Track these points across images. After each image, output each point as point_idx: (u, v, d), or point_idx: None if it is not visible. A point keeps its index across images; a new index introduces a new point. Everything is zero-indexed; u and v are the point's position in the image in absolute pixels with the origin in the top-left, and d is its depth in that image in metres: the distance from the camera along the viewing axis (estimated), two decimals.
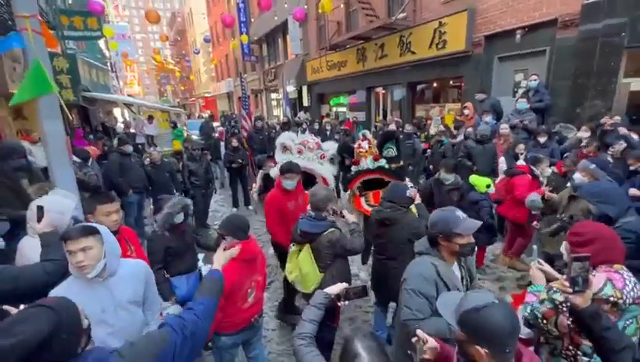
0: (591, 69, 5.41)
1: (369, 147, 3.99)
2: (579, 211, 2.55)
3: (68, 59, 8.19)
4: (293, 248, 2.56)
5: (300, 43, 14.43)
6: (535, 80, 5.77)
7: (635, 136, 4.11)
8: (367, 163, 3.89)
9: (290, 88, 15.20)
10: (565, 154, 4.29)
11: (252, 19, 18.61)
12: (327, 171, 3.96)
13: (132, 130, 10.65)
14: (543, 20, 5.96)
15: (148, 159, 5.61)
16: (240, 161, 6.43)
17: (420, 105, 9.78)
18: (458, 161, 4.85)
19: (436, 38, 7.90)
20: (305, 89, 15.05)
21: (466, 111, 6.37)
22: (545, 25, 5.98)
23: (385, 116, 10.96)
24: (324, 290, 1.48)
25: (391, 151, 3.96)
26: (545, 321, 1.49)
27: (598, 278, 1.41)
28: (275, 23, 15.62)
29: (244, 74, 22.20)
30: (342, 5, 11.14)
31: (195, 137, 11.64)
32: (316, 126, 10.34)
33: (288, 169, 3.10)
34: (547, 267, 1.67)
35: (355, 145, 4.21)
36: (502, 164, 4.86)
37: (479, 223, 1.65)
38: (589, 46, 5.37)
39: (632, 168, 3.40)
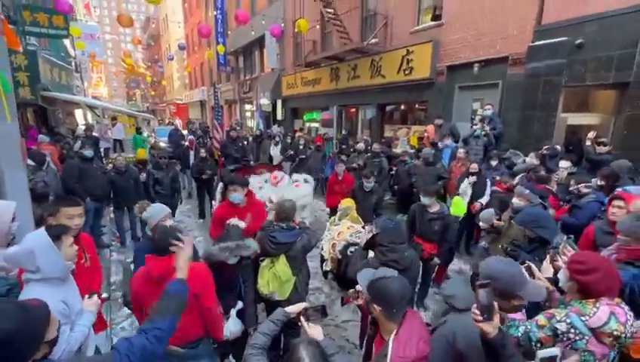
0: (535, 102, 6.06)
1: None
2: (519, 235, 2.82)
3: (27, 55, 7.78)
4: (264, 262, 2.54)
5: (276, 58, 14.69)
6: (489, 109, 6.34)
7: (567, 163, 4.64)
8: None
9: (265, 101, 15.32)
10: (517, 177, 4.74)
11: (229, 31, 18.68)
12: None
13: (95, 134, 10.16)
14: (497, 57, 6.62)
15: (111, 165, 5.42)
16: (209, 171, 6.37)
17: (389, 125, 10.28)
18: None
19: (404, 65, 8.45)
20: (279, 103, 15.23)
21: (426, 134, 6.82)
22: (498, 61, 6.65)
23: (349, 133, 11.36)
24: (285, 309, 1.55)
25: None
26: (539, 345, 1.52)
27: (603, 311, 1.43)
28: (252, 37, 15.81)
29: (218, 83, 22.04)
30: (317, 26, 11.59)
31: (163, 144, 11.31)
32: (289, 140, 10.51)
33: (231, 181, 3.05)
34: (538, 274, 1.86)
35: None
36: (463, 183, 5.20)
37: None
38: (534, 82, 6.04)
39: (571, 189, 3.80)
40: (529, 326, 1.55)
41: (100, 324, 2.22)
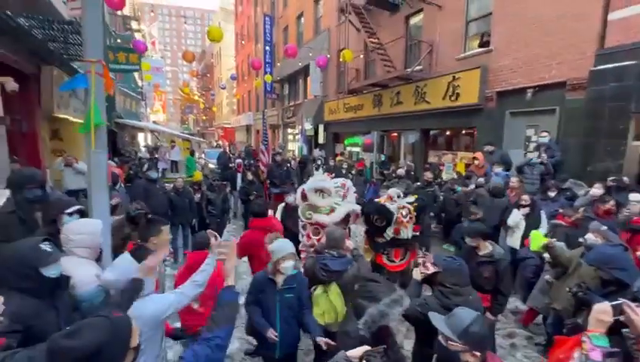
0: (600, 129, 5.61)
1: (409, 217, 3.72)
2: (590, 275, 2.55)
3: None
4: (318, 291, 2.52)
5: (319, 85, 15.31)
6: (545, 136, 5.98)
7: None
8: (407, 233, 3.71)
9: (308, 126, 15.87)
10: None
11: (278, 63, 19.94)
12: (353, 206, 3.92)
13: (156, 156, 11.22)
14: (552, 82, 6.31)
15: (172, 185, 5.91)
16: (255, 192, 6.67)
17: (433, 150, 10.06)
18: (463, 207, 4.95)
19: (450, 91, 8.35)
20: (321, 127, 15.68)
21: (476, 161, 6.57)
22: (554, 86, 6.32)
23: (391, 159, 11.24)
24: (346, 353, 1.45)
25: (379, 221, 3.63)
26: None
27: None
28: (298, 66, 16.70)
29: (264, 109, 23.32)
30: (361, 55, 11.96)
31: (212, 166, 12.11)
32: (331, 163, 10.70)
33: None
34: (637, 318, 1.46)
35: (396, 213, 3.71)
36: (514, 215, 4.90)
37: None
38: (598, 108, 5.62)
39: None
40: None
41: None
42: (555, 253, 2.89)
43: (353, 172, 8.59)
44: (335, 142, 15.47)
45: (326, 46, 14.37)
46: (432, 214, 6.09)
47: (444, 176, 7.32)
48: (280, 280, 2.29)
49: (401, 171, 7.37)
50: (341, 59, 10.74)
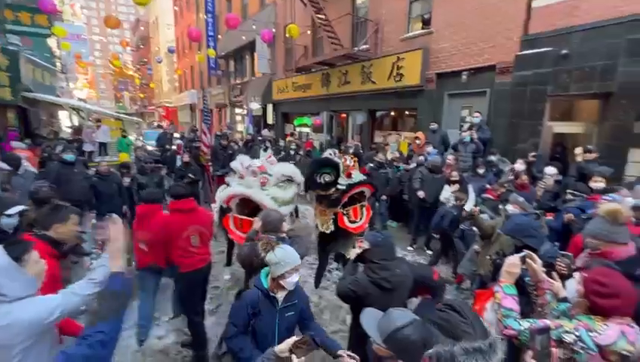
0: (522, 111, 6.15)
1: (354, 162, 3.94)
2: (506, 244, 2.80)
3: (8, 55, 7.54)
4: None
5: (267, 62, 14.65)
6: (477, 117, 6.41)
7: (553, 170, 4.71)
8: (358, 175, 3.85)
9: (255, 106, 15.23)
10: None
11: (219, 35, 18.58)
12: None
13: (80, 137, 9.88)
14: (485, 65, 6.71)
15: (94, 169, 5.24)
16: (191, 176, 6.19)
17: (380, 131, 10.31)
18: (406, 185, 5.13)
19: (394, 71, 8.50)
20: (270, 107, 15.16)
21: (417, 141, 6.85)
22: (486, 69, 6.74)
23: (340, 139, 11.37)
24: (274, 349, 1.40)
25: (327, 176, 3.67)
26: None
27: (613, 330, 1.41)
28: (243, 41, 15.74)
29: (208, 87, 21.88)
30: (309, 32, 11.60)
31: (150, 148, 11.09)
32: (281, 143, 10.43)
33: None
34: (536, 266, 1.77)
35: (342, 162, 3.88)
36: (445, 191, 5.23)
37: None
38: (521, 91, 6.13)
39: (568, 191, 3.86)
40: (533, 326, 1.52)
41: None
42: (479, 222, 3.10)
43: (301, 152, 8.44)
44: (285, 122, 15.11)
45: (272, 20, 13.68)
46: (384, 198, 6.12)
47: (388, 156, 7.53)
48: (281, 296, 1.88)
49: (349, 151, 7.41)
50: (287, 35, 10.28)
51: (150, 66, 34.86)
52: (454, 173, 4.99)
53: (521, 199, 3.37)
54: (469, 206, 4.49)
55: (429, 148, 6.31)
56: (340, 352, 1.69)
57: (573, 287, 1.63)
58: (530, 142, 6.06)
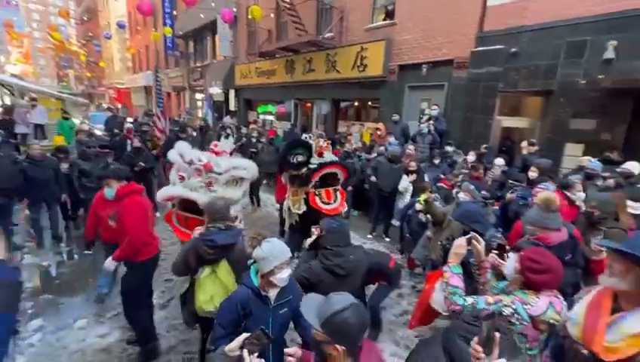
0: (476, 105, 6.48)
1: (327, 143, 3.98)
2: (456, 230, 2.96)
3: None
4: (204, 273, 2.18)
5: (229, 45, 13.98)
6: (435, 109, 6.65)
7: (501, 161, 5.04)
8: (330, 155, 3.87)
9: (217, 90, 14.55)
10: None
11: (175, 12, 17.35)
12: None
13: (15, 118, 8.71)
14: (443, 59, 6.94)
15: (25, 154, 4.67)
16: (141, 163, 5.76)
17: (343, 121, 10.35)
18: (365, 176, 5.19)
19: (358, 61, 8.51)
20: (232, 93, 14.56)
21: (379, 132, 6.96)
22: (445, 63, 6.97)
23: (305, 128, 11.29)
24: (224, 349, 1.32)
25: (300, 157, 3.68)
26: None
27: (543, 302, 1.58)
28: (203, 21, 14.85)
29: (165, 68, 20.47)
30: (272, 15, 11.21)
31: (98, 132, 10.16)
32: (243, 131, 10.08)
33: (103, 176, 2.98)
34: (480, 247, 1.88)
35: (315, 143, 3.92)
36: (403, 181, 5.40)
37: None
38: (475, 86, 6.43)
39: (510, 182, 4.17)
40: (476, 301, 1.65)
41: None
42: (432, 208, 3.23)
43: (263, 140, 8.23)
44: (248, 109, 14.64)
45: (233, 0, 13.00)
46: (349, 188, 6.10)
47: (352, 146, 7.60)
48: (273, 294, 1.73)
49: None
50: (250, 17, 9.85)
51: (98, 42, 31.78)
52: (412, 163, 5.15)
53: (472, 187, 3.56)
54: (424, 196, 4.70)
55: (391, 139, 6.45)
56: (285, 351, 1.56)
57: (511, 266, 1.76)
58: (481, 134, 6.42)
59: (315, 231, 2.20)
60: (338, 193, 3.89)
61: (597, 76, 5.17)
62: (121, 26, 18.26)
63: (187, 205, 2.99)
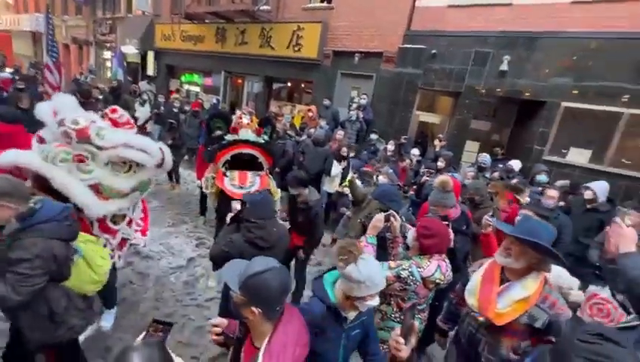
0: (398, 98, 7.01)
1: (250, 121, 3.68)
2: (374, 208, 3.21)
3: None
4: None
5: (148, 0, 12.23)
6: (364, 99, 6.98)
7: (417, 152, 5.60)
8: (247, 134, 3.47)
9: (132, 50, 12.67)
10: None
11: None
12: (77, 184, 2.07)
13: None
14: (374, 51, 7.28)
15: None
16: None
17: (276, 101, 10.12)
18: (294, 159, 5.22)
19: (294, 40, 8.34)
20: (151, 55, 12.85)
21: (310, 114, 7.02)
22: (375, 55, 7.32)
23: (233, 105, 10.76)
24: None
25: (218, 130, 3.52)
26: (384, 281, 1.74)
27: (433, 265, 1.86)
28: None
29: (63, 15, 17.03)
30: None
31: None
32: (161, 99, 9.05)
33: None
34: (396, 223, 2.17)
35: (236, 116, 3.74)
36: (335, 167, 5.57)
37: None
38: (399, 80, 6.94)
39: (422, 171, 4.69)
40: (381, 266, 1.82)
41: None
42: (354, 187, 3.43)
43: (187, 108, 7.54)
44: (170, 76, 13.17)
45: None
46: (277, 170, 5.98)
47: (279, 127, 7.49)
48: (352, 315, 1.48)
49: (245, 121, 7.00)
50: None
51: None
52: (344, 150, 5.33)
53: (390, 171, 3.91)
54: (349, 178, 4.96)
55: (322, 123, 6.55)
56: None
57: (410, 235, 2.02)
58: (402, 126, 7.01)
59: (237, 206, 2.14)
60: (258, 178, 3.51)
61: (493, 84, 6.07)
62: None
63: (42, 183, 1.96)
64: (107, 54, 15.99)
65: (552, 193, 3.33)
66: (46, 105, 2.21)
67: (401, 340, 1.21)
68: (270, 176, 3.70)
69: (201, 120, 7.21)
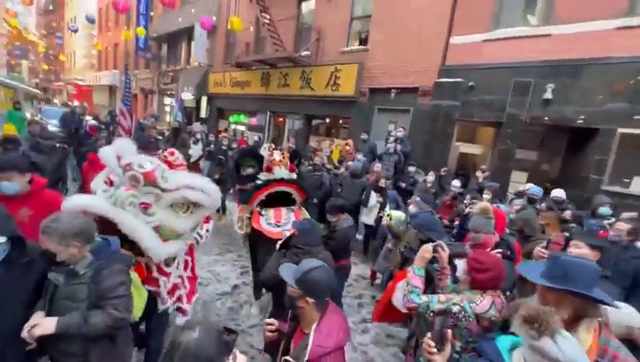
0: (436, 131, 7.03)
1: (282, 157, 3.48)
2: (413, 238, 3.19)
3: None
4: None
5: (205, 53, 13.92)
6: (401, 131, 7.10)
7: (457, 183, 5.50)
8: (281, 172, 3.35)
9: (188, 96, 14.28)
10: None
11: (152, 13, 17.05)
12: (143, 227, 2.05)
13: None
14: (409, 86, 7.50)
15: None
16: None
17: (315, 136, 10.62)
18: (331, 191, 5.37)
19: (332, 80, 8.91)
20: (204, 100, 14.38)
21: (347, 148, 7.27)
22: (410, 90, 7.53)
23: (275, 142, 11.38)
24: None
25: (250, 169, 3.38)
26: (432, 314, 1.81)
27: (487, 301, 1.77)
28: (180, 25, 14.74)
29: (135, 69, 19.79)
30: (251, 28, 11.44)
31: (53, 128, 9.51)
32: (212, 138, 9.94)
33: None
34: (444, 254, 2.05)
35: (267, 155, 3.56)
36: (372, 197, 5.64)
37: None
38: (436, 113, 7.00)
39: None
40: (430, 299, 1.83)
41: None
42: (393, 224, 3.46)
43: (234, 146, 8.21)
44: (219, 117, 14.49)
45: (214, 8, 13.11)
46: (314, 201, 6.18)
47: (317, 161, 7.79)
48: None
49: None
50: (229, 27, 9.99)
51: (61, 35, 29.99)
52: (382, 181, 5.43)
53: (418, 199, 3.90)
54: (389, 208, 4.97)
55: (359, 156, 6.75)
56: None
57: (460, 268, 1.97)
58: (441, 158, 6.94)
59: (287, 233, 2.31)
60: (292, 214, 3.31)
61: (538, 113, 5.89)
62: (90, 20, 17.50)
63: (107, 226, 1.91)
64: (168, 101, 18.15)
65: (622, 226, 2.91)
66: (109, 149, 2.22)
67: (432, 343, 1.28)
68: (302, 209, 3.57)
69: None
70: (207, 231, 2.79)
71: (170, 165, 2.39)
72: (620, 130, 5.21)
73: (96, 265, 1.59)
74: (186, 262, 2.63)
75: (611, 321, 1.61)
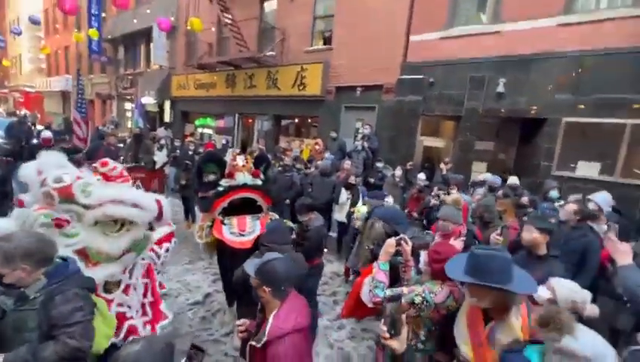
0: (401, 126, 7.24)
1: (246, 162, 3.29)
2: (379, 235, 3.25)
3: None
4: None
5: (165, 55, 13.37)
6: (368, 128, 7.25)
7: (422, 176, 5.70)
8: (243, 178, 3.14)
9: (150, 100, 13.66)
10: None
11: (104, 14, 16.07)
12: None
13: None
14: (374, 84, 7.66)
15: None
16: None
17: (285, 137, 10.56)
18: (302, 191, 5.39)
19: (298, 80, 8.90)
20: (168, 104, 13.83)
21: (317, 147, 7.31)
22: (375, 87, 7.70)
23: (244, 145, 11.22)
24: None
25: (212, 175, 3.17)
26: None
27: (445, 291, 1.80)
28: (135, 26, 14.05)
29: (89, 74, 18.64)
30: (213, 29, 11.14)
31: None
32: (177, 143, 9.59)
33: None
34: (407, 248, 2.05)
35: (230, 160, 3.34)
36: (342, 194, 5.72)
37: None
38: (400, 109, 7.21)
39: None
40: (393, 292, 1.86)
41: None
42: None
43: (201, 151, 7.97)
44: (185, 121, 14.01)
45: (172, 9, 12.63)
46: (287, 201, 6.15)
47: (287, 161, 7.77)
48: None
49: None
50: (189, 27, 9.67)
51: (2, 38, 27.51)
52: (352, 178, 5.50)
53: (367, 199, 4.04)
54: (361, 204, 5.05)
55: (326, 154, 6.81)
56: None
57: (422, 260, 2.05)
58: (407, 152, 7.17)
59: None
60: (257, 222, 3.07)
61: (492, 106, 6.24)
62: (34, 21, 16.16)
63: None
64: (128, 106, 17.24)
65: (569, 207, 3.15)
66: (32, 164, 1.97)
67: (384, 328, 1.27)
68: (271, 214, 3.35)
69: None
70: (167, 250, 2.57)
71: (107, 177, 2.11)
72: (565, 119, 5.65)
73: (49, 289, 1.44)
74: (145, 286, 2.41)
75: (559, 297, 1.78)
